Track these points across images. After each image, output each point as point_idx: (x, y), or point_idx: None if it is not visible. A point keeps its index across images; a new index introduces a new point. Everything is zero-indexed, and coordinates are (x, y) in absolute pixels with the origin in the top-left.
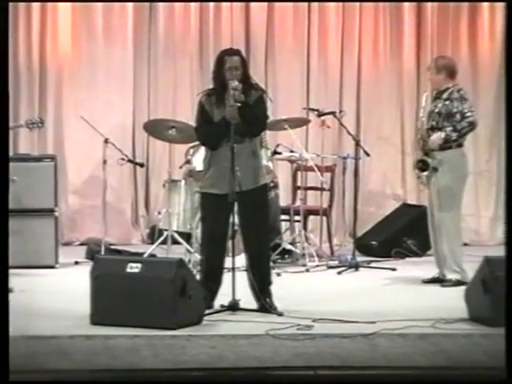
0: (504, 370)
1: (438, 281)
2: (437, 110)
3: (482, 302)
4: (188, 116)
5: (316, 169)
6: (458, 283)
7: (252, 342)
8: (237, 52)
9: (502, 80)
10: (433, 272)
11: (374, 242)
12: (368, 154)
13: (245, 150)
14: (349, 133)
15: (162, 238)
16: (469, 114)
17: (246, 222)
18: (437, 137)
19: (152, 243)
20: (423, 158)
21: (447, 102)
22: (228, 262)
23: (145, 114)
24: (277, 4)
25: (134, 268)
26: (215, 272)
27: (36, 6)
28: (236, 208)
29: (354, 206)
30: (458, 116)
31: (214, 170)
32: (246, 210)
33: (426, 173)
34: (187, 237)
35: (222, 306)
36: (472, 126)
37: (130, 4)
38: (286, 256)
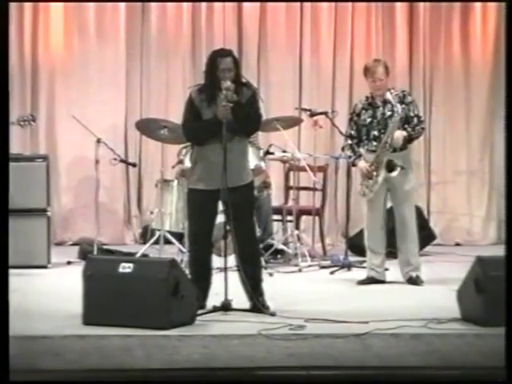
0: (498, 369)
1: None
2: (393, 119)
3: (475, 301)
4: (180, 116)
5: (308, 169)
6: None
7: (244, 341)
8: (229, 53)
9: (495, 79)
10: (426, 271)
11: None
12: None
13: (234, 148)
14: (341, 133)
15: (154, 238)
16: (423, 118)
17: (235, 220)
18: (400, 134)
19: (144, 243)
20: (391, 159)
21: (403, 106)
22: (220, 262)
23: (137, 114)
24: (269, 4)
25: (126, 268)
26: (203, 270)
27: (28, 4)
28: (223, 207)
29: (347, 206)
30: (415, 120)
31: (201, 166)
32: (233, 207)
33: (395, 173)
34: (180, 237)
35: (214, 306)
36: (423, 131)
37: (123, 3)
38: (279, 256)
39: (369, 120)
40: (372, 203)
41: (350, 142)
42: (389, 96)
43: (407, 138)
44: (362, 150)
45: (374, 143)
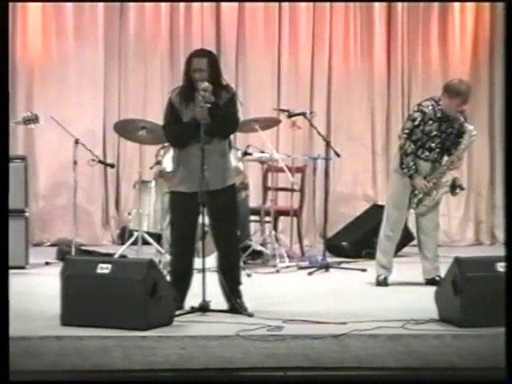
0: (475, 370)
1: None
2: (455, 132)
3: (452, 302)
4: (158, 116)
5: (286, 169)
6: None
7: (222, 342)
8: (205, 54)
9: (473, 81)
10: (405, 272)
11: (344, 243)
12: (338, 155)
13: (214, 150)
14: (319, 133)
15: (132, 239)
16: None
17: (215, 222)
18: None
19: (122, 244)
20: (456, 179)
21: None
22: (198, 263)
23: (115, 115)
24: (247, 4)
25: (104, 269)
26: (184, 272)
27: None
28: (205, 208)
29: (325, 207)
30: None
31: (182, 169)
32: (214, 210)
33: (456, 192)
34: (157, 237)
35: (192, 307)
36: None
37: (101, 3)
38: (257, 257)
39: (434, 133)
40: (403, 207)
41: (414, 147)
42: (462, 119)
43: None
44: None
45: (427, 153)
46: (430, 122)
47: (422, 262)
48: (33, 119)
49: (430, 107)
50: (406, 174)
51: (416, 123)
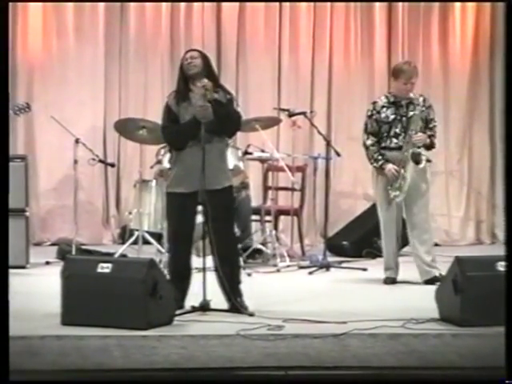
0: (475, 369)
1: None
2: (415, 116)
3: (453, 302)
4: (159, 116)
5: (287, 169)
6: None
7: (223, 342)
8: (196, 49)
9: (473, 80)
10: (405, 272)
11: (345, 242)
12: (339, 154)
13: (213, 149)
14: (320, 133)
15: (132, 238)
16: (436, 123)
17: (213, 221)
18: (424, 137)
19: (123, 243)
20: (415, 151)
21: (423, 109)
22: (199, 262)
23: (116, 114)
24: (248, 4)
25: (104, 268)
26: (182, 271)
27: None
28: (202, 207)
29: (325, 206)
30: (433, 123)
31: (179, 169)
32: (212, 209)
33: (422, 164)
34: (158, 237)
35: (192, 307)
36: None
37: (101, 3)
38: (257, 256)
39: (392, 117)
40: (388, 206)
41: (373, 138)
42: (413, 95)
43: (428, 141)
44: (387, 154)
45: (395, 140)
46: (384, 109)
47: (418, 268)
48: (23, 108)
49: (383, 97)
50: (376, 167)
51: (368, 114)
